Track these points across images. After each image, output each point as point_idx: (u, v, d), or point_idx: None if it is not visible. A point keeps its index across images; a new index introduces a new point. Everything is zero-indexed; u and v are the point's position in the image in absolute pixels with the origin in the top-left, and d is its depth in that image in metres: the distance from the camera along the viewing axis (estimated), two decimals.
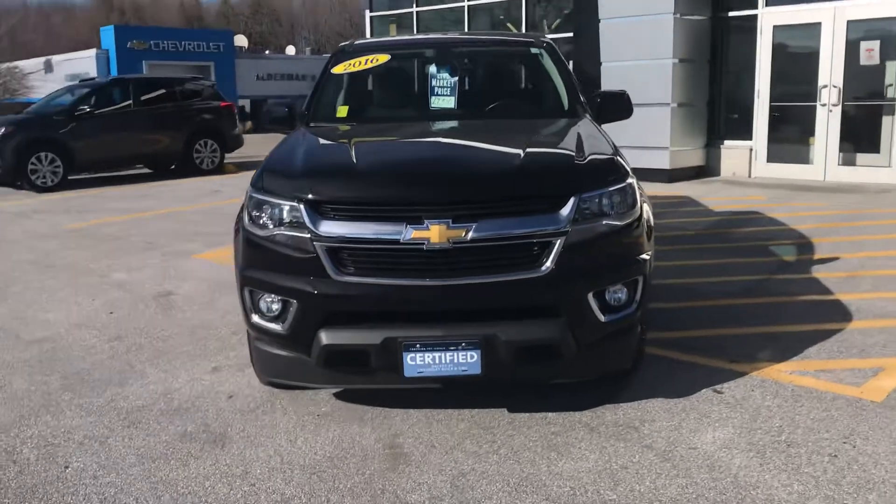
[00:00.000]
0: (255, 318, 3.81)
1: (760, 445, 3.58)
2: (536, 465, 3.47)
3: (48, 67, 36.66)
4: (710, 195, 11.01)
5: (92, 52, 33.29)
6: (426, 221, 3.48)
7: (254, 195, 3.82)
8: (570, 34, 14.05)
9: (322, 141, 4.31)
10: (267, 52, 47.40)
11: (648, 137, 11.94)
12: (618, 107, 5.08)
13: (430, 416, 3.97)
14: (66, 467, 3.59)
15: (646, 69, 12.09)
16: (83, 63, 32.46)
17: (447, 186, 3.59)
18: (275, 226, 3.69)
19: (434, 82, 5.10)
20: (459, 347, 3.51)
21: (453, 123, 4.97)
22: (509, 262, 3.55)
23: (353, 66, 5.20)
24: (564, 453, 3.57)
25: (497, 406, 4.06)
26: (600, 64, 12.61)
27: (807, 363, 4.55)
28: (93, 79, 19.14)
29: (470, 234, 3.47)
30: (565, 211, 3.56)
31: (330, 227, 3.57)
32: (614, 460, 3.49)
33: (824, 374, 4.37)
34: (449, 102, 5.07)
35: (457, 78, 5.11)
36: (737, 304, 5.73)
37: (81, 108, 14.06)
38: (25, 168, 13.44)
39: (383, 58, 5.30)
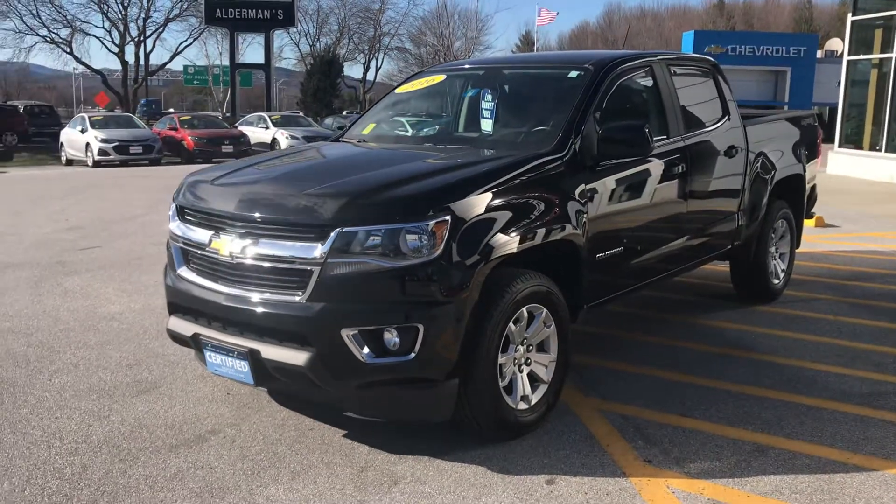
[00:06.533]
0: None
1: None
2: (234, 487, 3.56)
3: None
4: None
5: None
6: (220, 233, 3.83)
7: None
8: None
9: (268, 154, 4.73)
10: None
11: None
12: (624, 143, 4.35)
13: (281, 420, 4.22)
14: (51, 380, 4.82)
15: None
16: None
17: (245, 204, 3.83)
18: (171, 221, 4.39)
19: (481, 105, 5.05)
20: (233, 355, 3.78)
21: (411, 148, 4.94)
22: (276, 284, 3.69)
23: (413, 86, 5.38)
24: (268, 483, 3.58)
25: (343, 427, 4.11)
26: None
27: (721, 490, 3.50)
28: None
29: (248, 251, 3.72)
30: (326, 243, 3.53)
31: (174, 227, 4.18)
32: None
33: None
34: (488, 126, 4.98)
35: (495, 102, 4.97)
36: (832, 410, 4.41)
37: None
38: None
39: (438, 78, 5.36)
